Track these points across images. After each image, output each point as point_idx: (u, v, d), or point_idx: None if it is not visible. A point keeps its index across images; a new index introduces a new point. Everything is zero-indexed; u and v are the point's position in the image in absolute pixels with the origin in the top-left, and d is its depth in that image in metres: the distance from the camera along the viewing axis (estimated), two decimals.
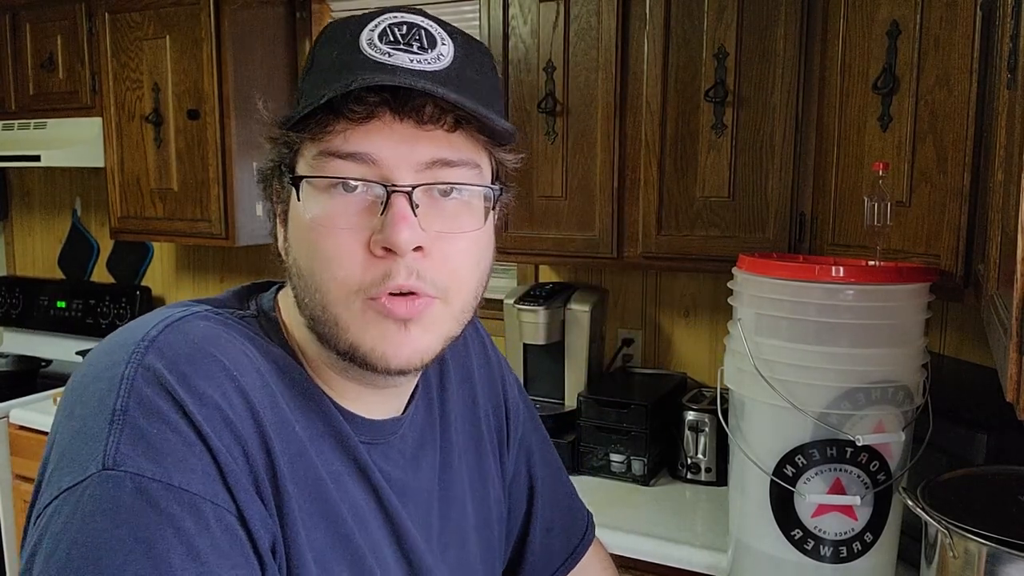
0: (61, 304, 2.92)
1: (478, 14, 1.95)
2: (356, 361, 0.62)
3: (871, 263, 1.34)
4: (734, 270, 1.36)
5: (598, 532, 1.01)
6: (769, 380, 1.24)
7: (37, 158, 2.47)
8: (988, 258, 1.00)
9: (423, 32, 0.61)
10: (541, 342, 1.98)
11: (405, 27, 0.61)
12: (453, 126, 0.60)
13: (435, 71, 0.59)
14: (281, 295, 0.69)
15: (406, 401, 0.73)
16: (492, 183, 0.65)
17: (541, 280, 2.26)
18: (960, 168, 1.26)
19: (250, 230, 2.38)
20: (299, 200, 0.61)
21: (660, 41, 1.76)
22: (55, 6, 2.53)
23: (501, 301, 2.06)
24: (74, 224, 3.06)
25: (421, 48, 0.60)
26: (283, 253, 0.65)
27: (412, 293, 0.60)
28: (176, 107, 2.35)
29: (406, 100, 0.58)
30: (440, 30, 0.62)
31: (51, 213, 3.10)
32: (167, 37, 2.33)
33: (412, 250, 0.59)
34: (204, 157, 2.32)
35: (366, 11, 0.62)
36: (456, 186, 0.61)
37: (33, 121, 2.62)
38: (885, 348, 1.22)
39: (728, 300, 1.37)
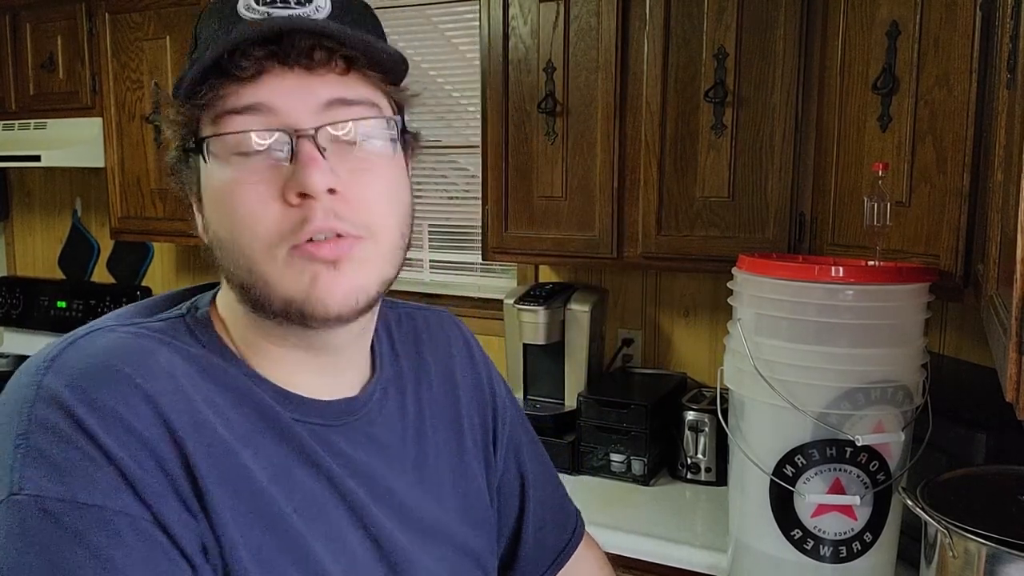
0: (61, 304, 2.92)
1: (478, 14, 1.95)
2: (293, 317, 0.61)
3: (871, 263, 1.35)
4: (734, 270, 1.36)
5: (598, 532, 1.01)
6: (769, 380, 1.24)
7: (37, 158, 2.47)
8: (988, 258, 1.00)
9: None
10: (541, 342, 1.98)
11: None
12: (345, 69, 0.60)
13: (316, 19, 0.59)
14: (220, 290, 0.69)
15: (362, 380, 0.72)
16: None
17: (541, 280, 2.26)
18: (960, 168, 1.26)
19: None
20: (206, 162, 0.60)
21: (660, 41, 1.76)
22: (55, 6, 2.53)
23: (501, 301, 2.07)
24: (74, 224, 3.06)
25: (298, 3, 0.60)
26: (204, 235, 0.64)
27: (337, 237, 0.59)
28: None
29: (292, 48, 0.58)
30: None
31: (51, 213, 3.10)
32: (167, 37, 2.33)
33: (327, 192, 0.58)
34: None
35: None
36: (358, 122, 0.61)
37: (33, 121, 2.61)
38: (885, 348, 1.22)
39: (728, 300, 1.37)
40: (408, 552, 0.70)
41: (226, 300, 0.66)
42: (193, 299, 0.69)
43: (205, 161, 0.60)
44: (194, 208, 0.65)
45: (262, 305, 0.61)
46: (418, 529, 0.72)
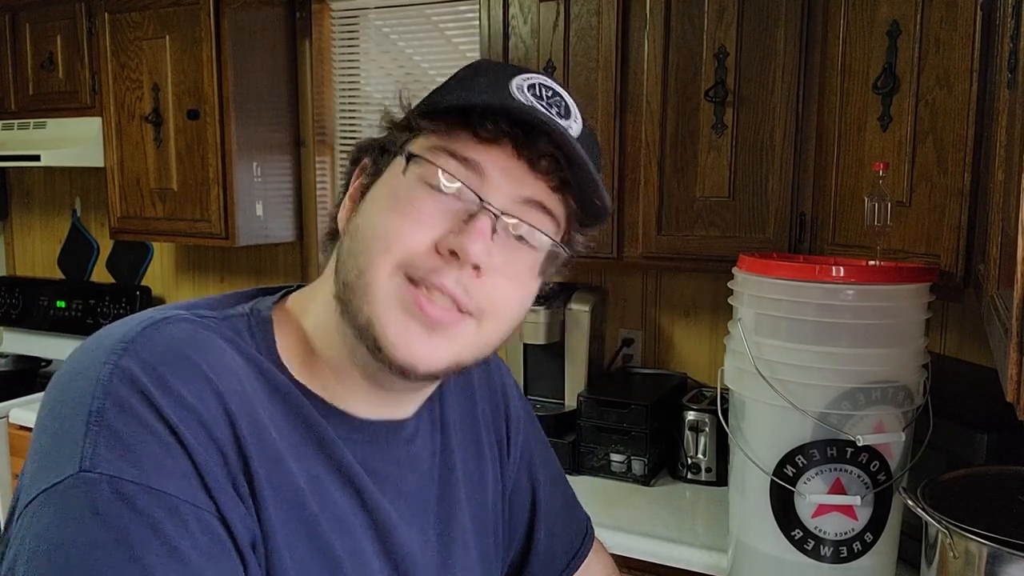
0: (61, 304, 2.92)
1: (478, 13, 1.95)
2: (367, 338, 0.62)
3: (871, 263, 1.34)
4: (734, 270, 1.36)
5: (599, 533, 1.01)
6: (769, 380, 1.24)
7: (37, 158, 2.47)
8: (988, 258, 1.00)
9: (564, 102, 0.65)
10: (541, 342, 1.98)
11: (551, 92, 0.65)
12: (558, 186, 0.63)
13: (567, 134, 0.62)
14: (293, 297, 0.70)
15: (413, 408, 0.73)
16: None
17: None
18: (960, 168, 1.26)
19: (250, 230, 2.38)
20: (404, 174, 0.63)
21: (660, 41, 1.75)
22: (55, 6, 2.53)
23: None
24: (74, 224, 3.05)
25: (559, 114, 0.64)
26: (342, 221, 0.67)
27: (451, 305, 0.62)
28: (176, 107, 2.35)
29: (531, 144, 0.61)
30: (575, 107, 0.66)
31: (51, 213, 3.10)
32: (167, 37, 2.32)
33: (472, 267, 0.61)
34: (204, 157, 2.32)
35: (513, 65, 0.69)
36: (538, 232, 0.64)
37: (33, 121, 2.61)
38: (885, 348, 1.22)
39: (728, 300, 1.37)
40: (422, 569, 0.71)
41: (306, 310, 0.68)
42: (256, 300, 0.70)
43: (403, 173, 0.63)
44: (348, 192, 0.68)
45: (351, 311, 0.62)
46: (437, 544, 0.73)
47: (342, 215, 0.67)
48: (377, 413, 0.69)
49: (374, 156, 0.67)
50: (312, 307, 0.68)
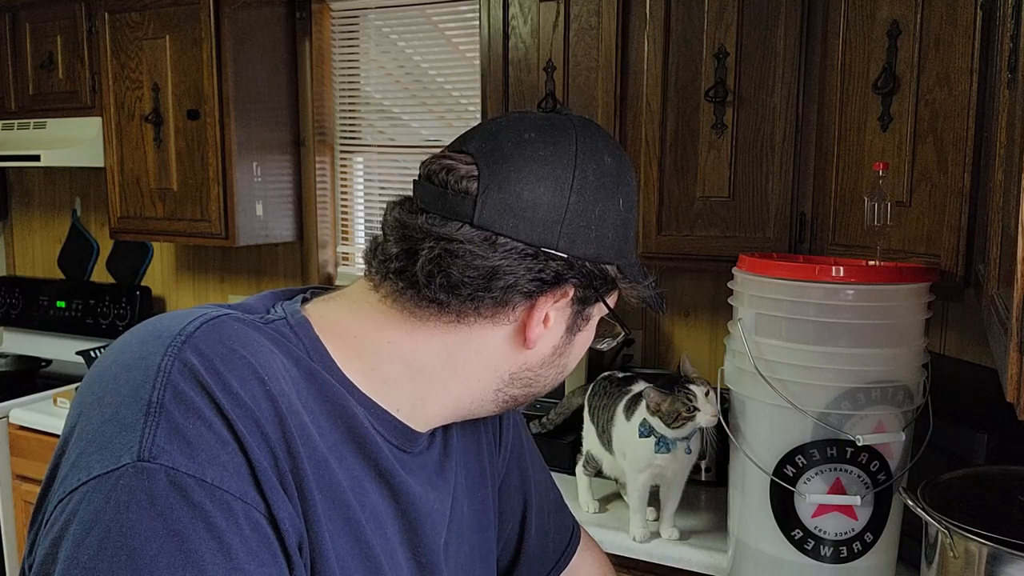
0: (61, 304, 2.92)
1: (478, 13, 1.95)
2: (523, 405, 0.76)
3: (871, 263, 1.34)
4: (734, 270, 1.36)
5: (598, 532, 1.01)
6: (769, 380, 1.24)
7: (37, 158, 2.47)
8: (988, 258, 1.00)
9: None
10: None
11: None
12: None
13: None
14: (320, 303, 0.69)
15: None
16: None
17: None
18: (960, 168, 1.27)
19: (250, 230, 2.38)
20: (612, 339, 0.77)
21: (660, 41, 1.75)
22: (55, 6, 2.53)
23: None
24: (74, 224, 3.05)
25: None
26: (551, 344, 0.71)
27: None
28: (176, 107, 2.35)
29: None
30: None
31: (51, 213, 3.10)
32: (167, 37, 2.33)
33: None
34: (204, 157, 2.32)
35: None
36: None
37: (33, 121, 2.61)
38: (885, 348, 1.22)
39: (728, 300, 1.37)
40: (441, 569, 0.72)
41: (342, 316, 0.68)
42: (278, 305, 0.69)
43: (612, 320, 0.74)
44: (567, 320, 0.71)
45: (531, 396, 0.74)
46: (445, 540, 0.74)
47: (557, 337, 0.70)
48: (411, 419, 0.70)
49: (591, 297, 0.70)
50: (359, 330, 0.67)
